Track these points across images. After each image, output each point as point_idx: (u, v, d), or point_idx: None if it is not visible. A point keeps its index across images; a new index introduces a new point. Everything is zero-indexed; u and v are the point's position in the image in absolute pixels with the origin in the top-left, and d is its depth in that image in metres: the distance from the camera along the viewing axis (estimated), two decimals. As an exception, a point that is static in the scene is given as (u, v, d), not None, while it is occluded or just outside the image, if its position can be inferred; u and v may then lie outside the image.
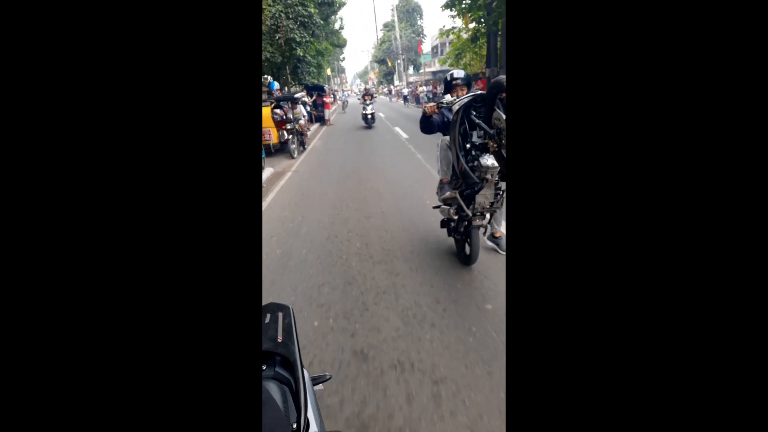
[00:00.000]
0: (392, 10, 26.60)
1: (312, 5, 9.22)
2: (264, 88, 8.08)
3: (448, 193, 2.05)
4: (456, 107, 1.90)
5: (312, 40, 9.73)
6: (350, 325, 1.73)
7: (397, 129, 8.57)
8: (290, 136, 6.26)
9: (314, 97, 10.59)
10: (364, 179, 4.51)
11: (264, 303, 0.89)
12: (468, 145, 1.86)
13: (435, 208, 2.41)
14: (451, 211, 2.12)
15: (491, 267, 2.21)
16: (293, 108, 6.76)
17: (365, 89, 12.10)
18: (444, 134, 2.21)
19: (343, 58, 24.16)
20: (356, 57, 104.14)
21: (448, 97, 2.06)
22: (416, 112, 11.65)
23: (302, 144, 6.91)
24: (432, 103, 2.20)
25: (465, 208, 1.98)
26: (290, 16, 8.46)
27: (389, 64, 27.53)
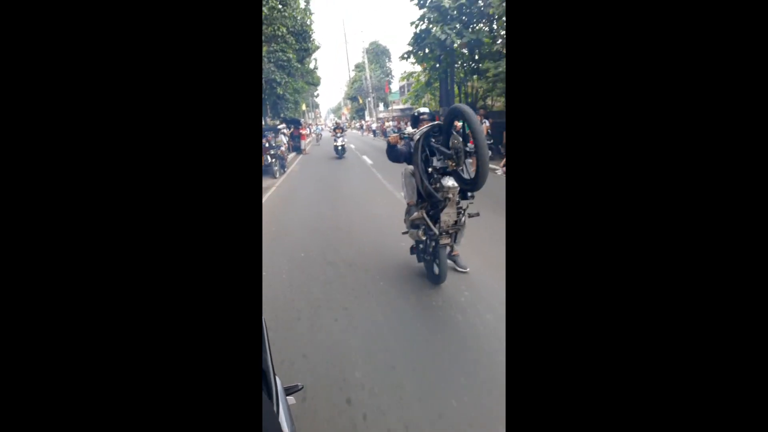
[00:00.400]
0: (363, 52, 29.15)
1: (290, 51, 10.70)
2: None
3: (415, 214, 2.26)
4: (416, 136, 2.16)
5: (290, 80, 11.15)
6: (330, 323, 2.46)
7: (364, 157, 9.92)
8: (273, 160, 7.47)
9: (291, 130, 11.88)
10: (335, 188, 5.73)
11: None
12: (430, 169, 2.09)
13: (404, 233, 2.59)
14: (419, 232, 2.32)
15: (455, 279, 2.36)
16: (276, 137, 8.03)
17: (336, 123, 13.28)
18: (408, 163, 2.42)
19: (318, 95, 25.89)
20: (330, 93, 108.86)
21: (409, 129, 2.34)
22: (382, 144, 13.11)
23: (283, 167, 8.08)
24: (395, 134, 2.50)
25: (432, 226, 2.15)
26: (271, 60, 9.86)
27: (360, 101, 29.77)
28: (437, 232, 2.12)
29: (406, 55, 10.93)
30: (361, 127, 26.49)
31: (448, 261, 2.43)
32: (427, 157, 2.12)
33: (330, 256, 2.99)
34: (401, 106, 21.63)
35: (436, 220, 2.14)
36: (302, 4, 11.67)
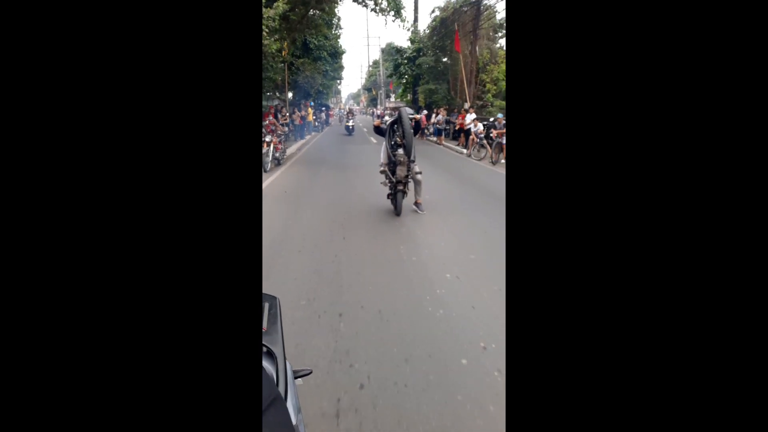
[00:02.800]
0: (380, 52, 36.18)
1: (328, 65, 18.11)
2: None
3: (381, 168, 4.22)
4: (387, 123, 4.27)
5: (326, 81, 18.66)
6: (336, 215, 6.04)
7: (365, 131, 17.45)
8: (318, 124, 15.07)
9: (323, 111, 19.48)
10: (344, 143, 13.25)
11: None
12: (392, 143, 4.10)
13: (381, 183, 4.47)
14: (387, 180, 4.26)
15: (409, 217, 4.20)
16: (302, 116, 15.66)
17: (349, 109, 19.75)
18: (383, 137, 4.39)
19: (340, 82, 33.31)
20: (352, 80, 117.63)
21: (387, 118, 4.52)
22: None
23: (302, 135, 15.64)
24: (378, 120, 4.71)
25: (391, 176, 4.09)
26: (319, 72, 17.38)
27: (374, 92, 37.06)
28: (394, 180, 4.06)
29: (391, 75, 18.39)
30: (373, 113, 33.93)
31: (413, 206, 4.32)
32: (390, 136, 4.15)
33: (337, 175, 10.41)
34: (391, 104, 29.59)
35: (393, 173, 4.06)
36: (339, 31, 18.96)
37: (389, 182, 4.26)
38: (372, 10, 7.70)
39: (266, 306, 0.86)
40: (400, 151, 4.01)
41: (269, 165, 6.80)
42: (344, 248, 3.26)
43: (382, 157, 4.29)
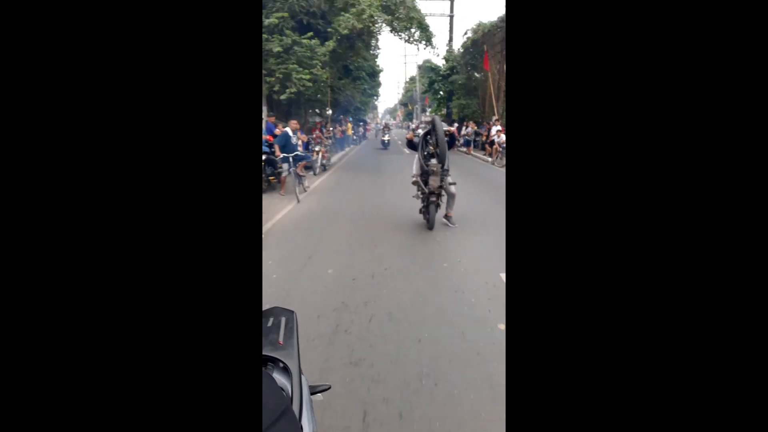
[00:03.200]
0: (417, 67, 37.93)
1: (366, 83, 19.81)
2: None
3: (413, 179, 4.20)
4: (420, 135, 4.28)
5: (364, 99, 20.37)
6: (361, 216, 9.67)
7: (399, 143, 18.82)
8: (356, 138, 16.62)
9: (361, 125, 21.17)
10: (379, 155, 14.66)
11: (269, 306, 0.93)
12: (425, 153, 4.08)
13: (413, 196, 4.44)
14: (419, 193, 4.20)
15: (441, 230, 4.20)
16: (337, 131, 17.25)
17: (385, 123, 20.73)
18: (416, 151, 4.35)
19: (377, 99, 35.23)
20: (389, 96, 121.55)
21: (419, 131, 4.84)
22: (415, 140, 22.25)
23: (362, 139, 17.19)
24: (411, 133, 4.89)
25: (423, 187, 4.03)
26: (358, 91, 19.11)
27: (410, 107, 38.67)
28: (426, 191, 4.00)
29: (426, 91, 19.75)
30: (408, 127, 35.54)
31: (443, 219, 4.29)
32: (423, 146, 4.16)
33: (372, 177, 11.80)
34: (427, 118, 30.80)
35: (426, 183, 4.00)
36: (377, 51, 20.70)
37: (421, 194, 4.19)
38: (406, 41, 9.08)
39: (283, 320, 0.87)
40: (433, 161, 3.96)
41: (317, 170, 8.24)
42: (376, 256, 3.42)
43: (415, 169, 4.28)
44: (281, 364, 0.75)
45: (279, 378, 0.72)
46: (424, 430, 1.51)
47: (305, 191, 6.29)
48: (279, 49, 7.20)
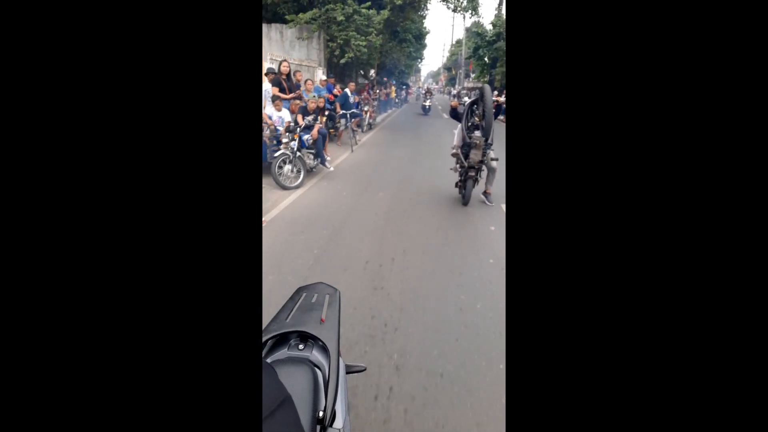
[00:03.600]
0: (465, 30, 37.06)
1: (412, 46, 20.31)
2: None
3: (453, 150, 3.96)
4: (466, 105, 3.94)
5: (408, 62, 20.94)
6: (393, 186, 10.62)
7: (439, 108, 19.55)
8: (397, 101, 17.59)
9: (404, 89, 21.93)
10: (421, 120, 15.65)
11: (314, 282, 0.96)
12: (469, 124, 3.80)
13: (451, 169, 4.23)
14: (457, 165, 3.94)
15: (476, 207, 4.07)
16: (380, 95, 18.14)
17: (427, 88, 20.40)
18: (458, 121, 4.04)
19: (421, 62, 35.17)
20: (433, 58, 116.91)
21: (465, 99, 4.67)
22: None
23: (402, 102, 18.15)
24: (455, 101, 4.46)
25: (464, 160, 3.74)
26: (404, 54, 19.75)
27: (453, 72, 38.22)
28: (466, 165, 3.72)
29: (470, 57, 19.97)
30: (450, 92, 35.39)
31: (481, 196, 4.11)
32: (467, 117, 3.85)
33: (411, 136, 12.87)
34: (470, 84, 30.33)
35: (466, 156, 3.72)
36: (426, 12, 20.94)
37: (460, 167, 3.94)
38: (452, 10, 9.86)
39: (327, 297, 0.90)
40: (477, 133, 3.66)
41: (365, 127, 9.57)
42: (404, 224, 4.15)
43: (456, 139, 4.01)
44: (320, 343, 0.77)
45: (317, 356, 0.75)
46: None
47: (356, 144, 7.66)
48: (342, 18, 8.33)
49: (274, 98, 5.05)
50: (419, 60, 28.82)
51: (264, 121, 4.69)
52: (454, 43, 40.94)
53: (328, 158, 5.59)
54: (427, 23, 19.62)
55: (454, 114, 4.16)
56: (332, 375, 0.68)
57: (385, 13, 9.05)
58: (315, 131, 4.86)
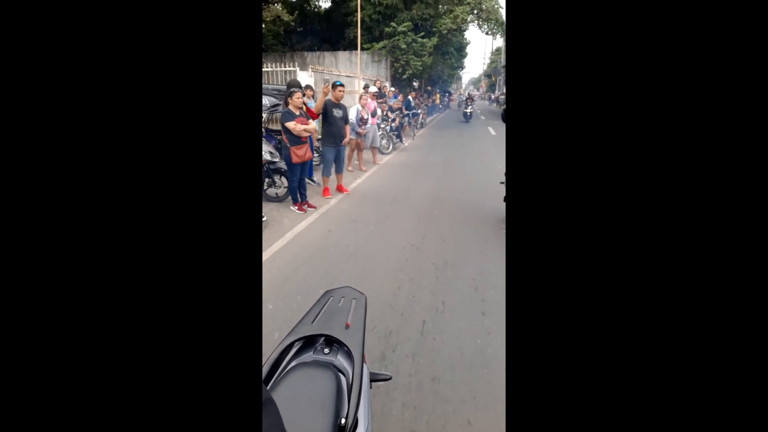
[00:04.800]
0: (502, 39, 39.66)
1: (453, 58, 23.42)
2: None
3: None
4: None
5: (450, 71, 24.08)
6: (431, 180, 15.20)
7: (479, 112, 22.40)
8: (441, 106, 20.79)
9: (447, 96, 25.08)
10: (460, 119, 18.69)
11: (341, 286, 0.97)
12: None
13: (502, 183, 3.60)
14: None
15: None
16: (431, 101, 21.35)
17: (468, 94, 20.44)
18: None
19: (462, 70, 38.19)
20: (474, 66, 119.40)
21: None
22: (497, 109, 25.28)
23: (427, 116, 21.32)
24: None
25: None
26: (447, 65, 22.97)
27: (493, 78, 40.80)
28: None
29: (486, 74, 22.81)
30: (490, 98, 37.94)
31: None
32: None
33: (454, 134, 15.95)
34: None
35: None
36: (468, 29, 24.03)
37: None
38: (486, 33, 12.98)
39: (353, 302, 0.90)
40: None
41: (419, 125, 12.85)
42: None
43: None
44: (345, 348, 0.77)
45: (342, 361, 0.75)
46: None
47: (416, 135, 10.88)
48: (404, 45, 11.76)
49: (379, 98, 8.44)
50: (460, 69, 31.94)
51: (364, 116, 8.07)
52: (493, 50, 43.56)
53: (404, 142, 8.88)
54: (468, 34, 22.28)
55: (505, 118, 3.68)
56: (356, 381, 0.67)
57: (435, 39, 12.37)
58: (397, 121, 8.16)
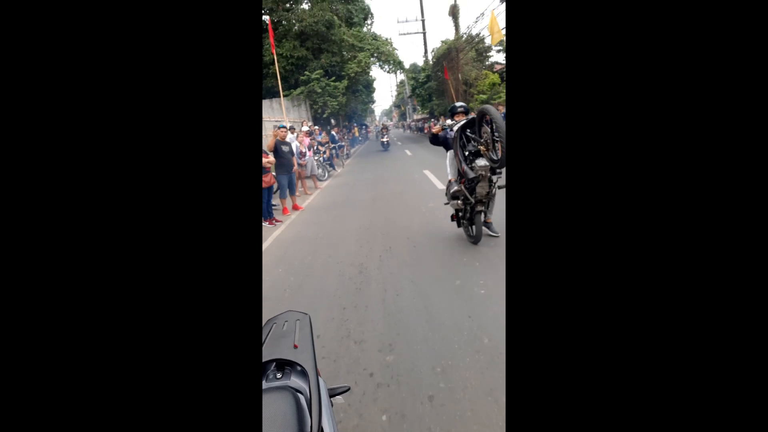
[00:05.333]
0: (405, 74, 44.42)
1: (363, 94, 26.06)
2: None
3: (455, 188, 3.08)
4: (456, 128, 3.07)
5: (362, 106, 26.66)
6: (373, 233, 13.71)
7: (395, 139, 25.02)
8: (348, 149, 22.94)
9: (363, 128, 27.50)
10: (380, 148, 20.93)
11: (283, 312, 0.97)
12: (467, 153, 2.93)
13: (446, 204, 3.51)
14: (459, 202, 3.16)
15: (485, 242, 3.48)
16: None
17: (383, 125, 22.85)
18: (446, 149, 3.53)
19: (373, 104, 41.61)
20: (383, 100, 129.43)
21: (449, 121, 3.29)
22: (410, 135, 28.29)
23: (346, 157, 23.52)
24: (438, 125, 3.54)
25: (469, 196, 2.96)
26: (358, 102, 25.45)
27: (402, 108, 45.09)
28: (473, 201, 2.99)
29: (411, 95, 26.00)
30: (403, 126, 41.95)
31: (483, 227, 3.33)
32: (464, 144, 3.00)
33: (377, 160, 17.99)
34: (418, 116, 36.55)
35: (472, 191, 2.97)
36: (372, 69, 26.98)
37: (463, 203, 3.19)
38: (387, 71, 15.40)
39: (297, 324, 0.90)
40: (480, 161, 2.86)
41: (345, 156, 14.51)
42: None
43: (450, 173, 3.42)
44: (298, 368, 0.77)
45: (296, 381, 0.74)
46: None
47: (343, 165, 12.43)
48: (319, 90, 13.56)
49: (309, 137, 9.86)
50: (371, 103, 35.15)
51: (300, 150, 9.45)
52: (398, 83, 48.32)
53: (336, 168, 10.34)
54: (373, 72, 25.17)
55: (435, 141, 3.72)
56: (314, 394, 0.67)
57: (345, 82, 14.41)
58: (327, 152, 9.65)
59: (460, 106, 3.41)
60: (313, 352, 0.80)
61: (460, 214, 3.39)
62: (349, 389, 0.93)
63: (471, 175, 2.91)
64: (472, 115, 3.02)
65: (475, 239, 3.27)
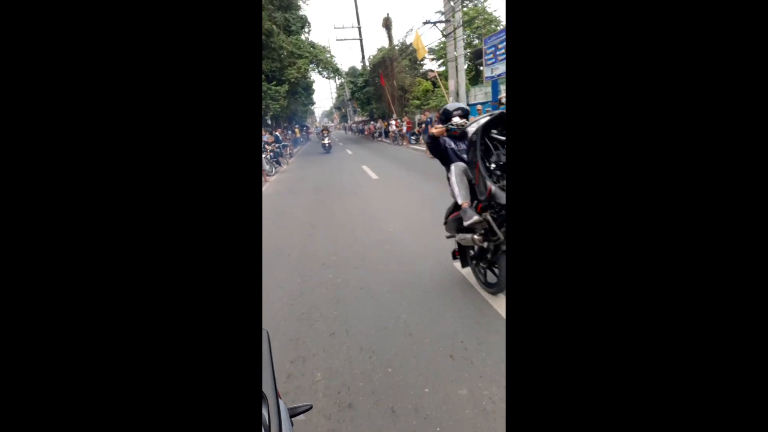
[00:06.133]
0: (344, 76, 45.88)
1: (303, 96, 27.11)
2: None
3: (475, 218, 1.92)
4: (472, 129, 1.95)
5: (301, 108, 27.69)
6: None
7: (337, 140, 26.38)
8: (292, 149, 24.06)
9: (304, 130, 28.53)
10: (322, 152, 22.18)
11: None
12: (493, 166, 1.84)
13: (449, 237, 2.41)
14: (476, 237, 2.04)
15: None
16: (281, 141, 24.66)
17: (324, 126, 21.49)
18: (443, 163, 2.31)
19: (313, 105, 42.53)
20: (323, 101, 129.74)
21: (457, 120, 2.17)
22: (352, 136, 29.84)
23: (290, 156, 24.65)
24: (441, 126, 2.20)
25: (498, 230, 1.86)
26: (298, 104, 26.44)
27: (343, 110, 46.54)
28: (501, 237, 1.87)
29: (351, 98, 27.66)
30: (344, 127, 43.45)
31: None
32: (488, 151, 1.91)
33: (321, 167, 19.20)
34: (359, 119, 38.34)
35: (502, 224, 1.83)
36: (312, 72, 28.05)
37: (482, 239, 2.11)
38: (326, 77, 16.82)
39: None
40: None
41: (288, 155, 15.64)
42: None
43: (460, 195, 2.11)
44: None
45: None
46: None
47: (288, 164, 13.61)
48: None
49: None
50: (311, 105, 36.18)
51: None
52: (338, 85, 49.66)
53: (282, 165, 11.55)
54: (313, 75, 26.15)
55: (436, 148, 2.38)
56: (273, 419, 0.65)
57: (286, 86, 15.58)
58: (273, 152, 10.88)
59: (457, 108, 2.34)
60: (272, 372, 0.75)
61: (472, 252, 2.41)
62: (311, 407, 0.94)
63: (502, 199, 1.77)
64: (501, 108, 1.99)
65: (497, 288, 2.28)
